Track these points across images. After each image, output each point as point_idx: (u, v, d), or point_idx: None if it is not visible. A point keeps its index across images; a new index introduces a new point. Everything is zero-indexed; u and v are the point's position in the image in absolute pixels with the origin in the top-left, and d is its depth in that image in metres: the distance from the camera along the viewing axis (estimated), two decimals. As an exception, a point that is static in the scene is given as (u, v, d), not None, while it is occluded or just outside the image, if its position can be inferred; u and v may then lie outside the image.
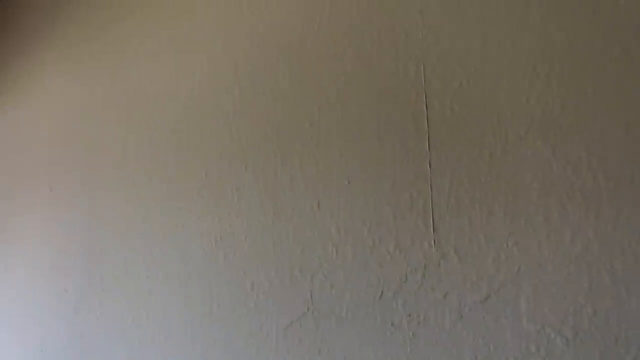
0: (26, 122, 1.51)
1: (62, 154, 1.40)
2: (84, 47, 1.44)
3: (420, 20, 0.92)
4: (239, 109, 1.10)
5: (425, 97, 0.90)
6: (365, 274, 0.89)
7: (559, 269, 0.76)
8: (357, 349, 0.87)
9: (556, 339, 0.74)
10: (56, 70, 1.48)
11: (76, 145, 1.38)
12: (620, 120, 0.76)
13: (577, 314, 0.74)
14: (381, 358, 0.85)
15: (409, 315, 0.84)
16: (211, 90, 1.16)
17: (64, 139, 1.41)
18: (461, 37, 0.88)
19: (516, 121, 0.82)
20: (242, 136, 1.08)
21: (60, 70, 1.48)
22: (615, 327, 0.71)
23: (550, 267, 0.77)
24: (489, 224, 0.82)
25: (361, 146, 0.94)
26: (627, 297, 0.71)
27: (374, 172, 0.92)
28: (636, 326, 0.70)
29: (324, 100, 0.99)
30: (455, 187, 0.85)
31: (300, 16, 1.06)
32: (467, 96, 0.86)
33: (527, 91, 0.82)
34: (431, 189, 0.87)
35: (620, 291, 0.72)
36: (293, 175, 0.99)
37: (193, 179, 1.13)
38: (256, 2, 1.14)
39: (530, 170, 0.81)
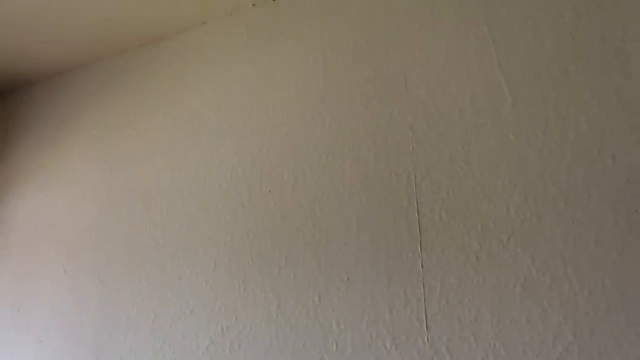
0: (48, 205, 1.61)
1: (78, 238, 1.49)
2: (109, 138, 1.57)
3: (410, 135, 1.05)
4: (246, 206, 1.20)
5: (417, 204, 1.00)
6: (363, 370, 0.95)
7: (543, 370, 0.82)
8: None
9: None
10: (82, 159, 1.60)
11: (92, 230, 1.47)
12: (591, 232, 0.85)
13: (562, 415, 0.79)
14: None
15: (405, 412, 0.89)
16: (221, 188, 1.27)
17: (82, 223, 1.50)
18: (446, 151, 1.00)
19: (498, 229, 0.92)
20: (249, 232, 1.17)
21: (85, 158, 1.60)
22: None
23: (534, 368, 0.83)
24: (477, 324, 0.89)
25: (359, 246, 1.03)
26: (606, 400, 0.77)
27: (371, 270, 1.00)
28: None
29: (324, 202, 1.09)
30: (446, 288, 0.93)
31: (304, 124, 1.19)
32: (453, 205, 0.96)
33: (507, 203, 0.92)
34: (424, 287, 0.95)
35: None
36: (296, 271, 1.07)
37: (202, 269, 1.21)
38: (263, 109, 1.27)
39: (513, 274, 0.89)
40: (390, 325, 0.96)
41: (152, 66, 1.58)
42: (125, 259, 1.36)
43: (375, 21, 1.18)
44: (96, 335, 1.32)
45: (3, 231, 1.71)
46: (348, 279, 1.02)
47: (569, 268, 0.85)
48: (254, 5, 1.44)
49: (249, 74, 1.36)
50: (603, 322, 0.81)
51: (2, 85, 1.98)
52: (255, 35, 1.40)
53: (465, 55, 1.04)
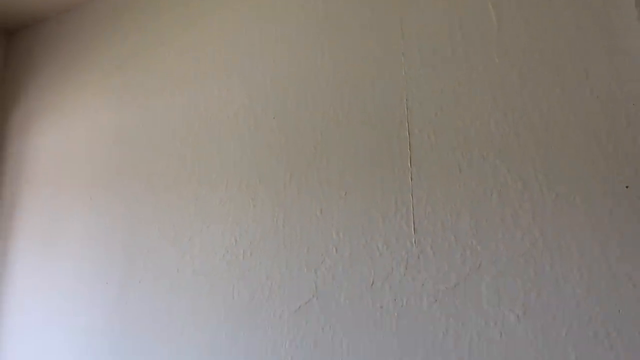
0: (68, 138, 1.73)
1: (100, 168, 1.61)
2: (120, 73, 1.65)
3: (403, 61, 1.13)
4: (253, 132, 1.31)
5: (408, 124, 1.10)
6: (359, 268, 1.10)
7: (512, 261, 0.96)
8: (352, 327, 1.08)
9: (510, 316, 0.94)
10: (94, 94, 1.70)
11: (111, 160, 1.59)
12: (561, 144, 0.96)
13: (526, 296, 0.94)
14: (372, 335, 1.06)
15: (394, 300, 1.04)
16: (229, 116, 1.37)
17: (100, 154, 1.62)
18: (435, 75, 1.09)
19: (480, 144, 1.03)
20: (256, 155, 1.29)
21: (97, 94, 1.69)
22: (554, 307, 0.91)
23: (504, 260, 0.97)
24: (458, 226, 1.02)
25: (355, 164, 1.14)
26: (563, 283, 0.91)
27: (366, 185, 1.13)
28: (569, 306, 0.90)
29: (324, 127, 1.20)
30: (431, 197, 1.05)
31: (305, 55, 1.27)
32: (441, 123, 1.06)
33: (488, 120, 1.02)
34: (412, 197, 1.08)
35: (558, 279, 0.92)
36: (299, 187, 1.20)
37: (215, 190, 1.34)
38: (267, 43, 1.35)
39: (491, 183, 1.01)
40: (382, 231, 1.09)
41: (159, 4, 1.63)
42: (145, 184, 1.49)
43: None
44: (125, 252, 1.48)
45: (27, 166, 1.84)
46: (346, 194, 1.15)
47: (540, 175, 0.97)
48: (253, -64, 1.46)
49: (253, 11, 1.42)
50: (565, 222, 0.93)
51: (12, 23, 2.04)
52: (256, -32, 1.44)
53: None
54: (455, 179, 1.04)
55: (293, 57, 1.29)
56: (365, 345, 1.06)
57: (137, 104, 1.59)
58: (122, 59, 1.68)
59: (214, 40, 1.48)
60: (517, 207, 0.98)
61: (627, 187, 0.88)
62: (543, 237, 0.95)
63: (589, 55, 0.96)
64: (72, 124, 1.74)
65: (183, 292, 1.34)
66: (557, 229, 0.94)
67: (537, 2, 1.01)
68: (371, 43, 1.18)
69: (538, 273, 0.94)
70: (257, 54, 1.37)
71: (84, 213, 1.61)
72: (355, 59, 1.19)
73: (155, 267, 1.41)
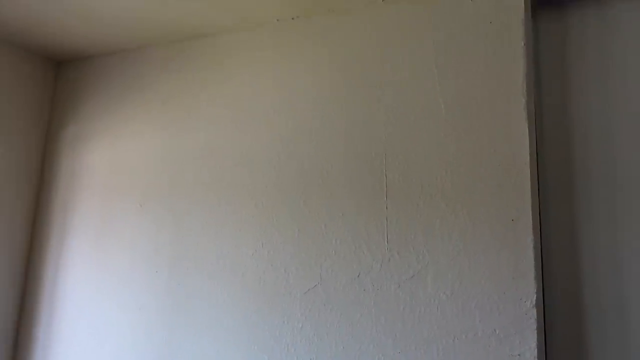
0: (117, 158, 2.19)
1: (147, 182, 2.09)
2: (166, 109, 2.14)
3: (383, 129, 1.72)
4: (276, 166, 1.85)
5: (385, 171, 1.69)
6: (350, 264, 1.67)
7: (446, 263, 1.56)
8: (345, 304, 1.65)
9: (442, 296, 1.54)
10: (141, 123, 2.17)
11: (158, 177, 2.08)
12: (478, 189, 1.57)
13: (452, 284, 1.54)
14: (358, 308, 1.63)
15: (373, 285, 1.63)
16: (256, 152, 1.91)
17: (149, 172, 2.10)
18: (404, 142, 1.68)
19: (430, 187, 1.62)
20: (281, 183, 1.83)
21: (143, 124, 2.17)
22: (468, 290, 1.52)
23: (442, 261, 1.57)
24: (415, 240, 1.61)
25: (349, 195, 1.72)
26: (474, 277, 1.52)
27: (356, 209, 1.70)
28: (476, 289, 1.51)
29: (329, 168, 1.77)
30: (400, 221, 1.64)
31: (314, 116, 1.83)
32: (406, 172, 1.66)
33: (435, 173, 1.62)
34: (387, 220, 1.66)
35: (472, 275, 1.53)
36: (310, 209, 1.76)
37: (246, 206, 1.87)
38: (284, 98, 1.90)
39: (438, 216, 1.61)
40: (366, 240, 1.67)
41: (199, 57, 2.14)
42: (189, 197, 2.00)
43: (364, 48, 1.80)
44: (172, 248, 1.98)
45: (78, 180, 2.28)
46: (343, 214, 1.72)
47: (464, 209, 1.58)
48: (277, 20, 2.01)
49: (274, 71, 1.96)
50: (479, 239, 1.54)
51: (61, 55, 2.46)
52: (278, 43, 1.99)
53: (418, 82, 1.69)
54: (415, 209, 1.63)
55: (307, 114, 1.85)
56: (353, 315, 1.64)
57: (180, 136, 2.08)
58: (166, 97, 2.17)
59: (242, 92, 2.01)
60: (450, 229, 1.58)
61: (511, 220, 1.51)
62: (465, 248, 1.56)
63: (489, 130, 1.57)
64: (121, 147, 2.21)
65: (220, 280, 1.86)
66: (473, 243, 1.55)
67: (465, 102, 1.63)
68: (359, 113, 1.76)
69: (461, 270, 1.55)
70: (277, 106, 1.91)
71: (135, 216, 2.09)
72: (348, 124, 1.77)
73: (197, 260, 1.92)
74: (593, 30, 1.62)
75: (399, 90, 1.73)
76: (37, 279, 2.29)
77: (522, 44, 1.56)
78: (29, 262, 2.32)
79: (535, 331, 1.42)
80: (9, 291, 2.25)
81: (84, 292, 2.14)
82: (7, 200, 2.26)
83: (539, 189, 1.59)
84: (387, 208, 1.67)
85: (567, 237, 1.57)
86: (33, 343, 2.22)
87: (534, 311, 1.43)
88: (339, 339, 1.65)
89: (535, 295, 1.43)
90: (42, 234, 2.32)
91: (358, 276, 1.66)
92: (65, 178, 2.32)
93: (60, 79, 2.47)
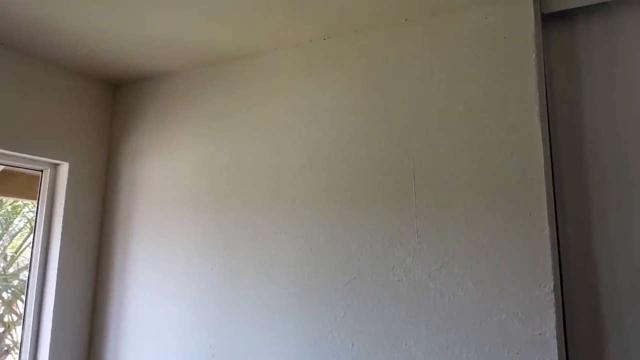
0: (173, 170, 2.46)
1: (201, 190, 2.36)
2: (213, 125, 2.40)
3: (410, 135, 1.91)
4: (316, 175, 2.07)
5: (413, 173, 1.88)
6: (385, 257, 1.88)
7: (469, 255, 1.74)
8: (380, 293, 1.85)
9: (468, 283, 1.73)
10: (192, 138, 2.44)
11: (210, 186, 2.34)
12: (493, 184, 1.74)
13: (480, 271, 1.72)
14: (392, 296, 1.83)
15: (406, 275, 1.83)
16: (293, 162, 2.14)
17: (201, 182, 2.37)
18: (428, 147, 1.87)
19: (456, 187, 1.81)
20: (321, 189, 2.05)
21: (195, 138, 2.43)
22: (487, 279, 1.69)
23: (465, 254, 1.75)
24: (443, 235, 1.80)
25: (382, 196, 1.92)
26: (491, 267, 1.70)
27: (389, 209, 1.91)
28: (491, 278, 1.68)
29: (363, 173, 1.97)
30: (428, 217, 1.83)
31: (348, 130, 2.04)
32: (433, 173, 1.85)
33: (461, 174, 1.81)
34: (416, 217, 1.86)
35: (490, 265, 1.70)
36: (348, 210, 1.98)
37: (289, 210, 2.11)
38: (319, 112, 2.11)
39: (463, 212, 1.79)
40: (399, 236, 1.87)
41: (241, 76, 2.39)
42: (238, 203, 2.25)
43: (387, 62, 2.00)
44: (225, 247, 2.24)
45: (138, 189, 2.57)
46: (376, 214, 1.93)
47: (481, 204, 1.75)
48: (310, 41, 2.23)
49: (308, 87, 2.19)
50: (497, 234, 1.72)
51: (117, 79, 2.76)
52: (311, 62, 2.21)
53: (440, 90, 1.88)
54: (441, 206, 1.82)
55: (339, 126, 2.07)
56: (388, 303, 1.84)
57: (227, 148, 2.34)
58: (213, 114, 2.43)
59: (280, 109, 2.24)
60: (474, 223, 1.76)
61: (529, 214, 1.68)
62: (488, 241, 1.74)
63: (506, 133, 1.74)
64: (175, 160, 2.48)
65: (267, 275, 2.10)
66: (495, 236, 1.73)
67: (483, 109, 1.80)
68: (387, 122, 1.96)
69: (485, 260, 1.73)
70: (312, 121, 2.14)
71: (190, 221, 2.35)
72: (379, 135, 1.97)
73: (247, 258, 2.17)
74: (600, 38, 1.77)
75: (421, 98, 1.92)
76: (106, 280, 2.59)
77: (534, 55, 1.73)
78: (99, 265, 2.63)
79: (554, 313, 1.58)
80: (84, 291, 2.56)
81: (148, 291, 2.42)
82: (79, 209, 2.57)
83: (553, 185, 1.75)
84: (416, 206, 1.87)
85: (582, 227, 1.73)
86: (105, 339, 2.52)
87: (552, 295, 1.59)
88: (376, 324, 1.86)
89: (552, 282, 1.60)
90: (109, 240, 2.62)
91: (392, 268, 1.87)
92: (126, 188, 2.62)
93: (118, 101, 2.77)
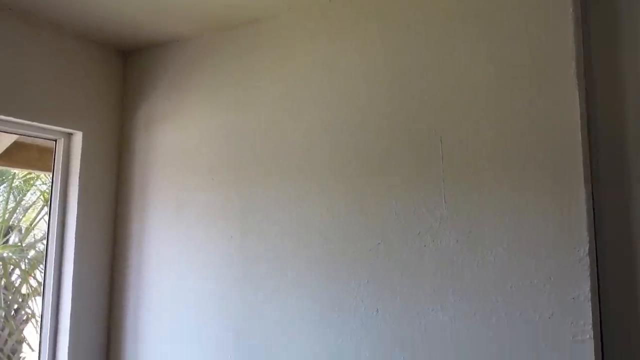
0: (188, 137, 2.41)
1: (217, 157, 2.31)
2: (229, 91, 2.33)
3: (438, 102, 1.84)
4: (334, 146, 2.02)
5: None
6: (411, 223, 1.84)
7: (504, 218, 1.70)
8: (407, 259, 1.82)
9: (498, 248, 1.69)
10: (207, 104, 2.38)
11: (227, 152, 2.29)
12: (522, 156, 1.68)
13: (511, 236, 1.68)
14: (418, 261, 1.80)
15: (433, 241, 1.79)
16: (316, 129, 2.07)
17: (217, 148, 2.32)
18: (458, 110, 1.80)
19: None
20: (344, 155, 2.00)
21: (209, 105, 2.37)
22: (526, 240, 1.65)
23: (500, 217, 1.70)
24: (472, 200, 1.75)
25: (409, 163, 1.87)
26: (518, 241, 1.65)
27: (415, 175, 1.85)
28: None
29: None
30: (454, 191, 1.78)
31: (377, 103, 1.97)
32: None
33: (490, 137, 1.75)
34: (444, 183, 1.80)
35: (532, 222, 1.65)
36: (373, 176, 1.93)
37: (307, 179, 2.06)
38: (340, 78, 2.04)
39: (493, 175, 1.73)
40: (426, 202, 1.82)
41: (255, 40, 2.31)
42: (256, 170, 2.20)
43: (412, 22, 1.91)
44: (243, 214, 2.20)
45: (153, 157, 2.53)
46: (402, 180, 1.88)
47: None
48: (330, 0, 2.14)
49: (330, 51, 2.10)
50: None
51: (127, 46, 2.68)
52: (332, 23, 2.12)
53: (470, 53, 1.80)
54: (470, 170, 1.76)
55: (365, 92, 2.00)
56: (414, 268, 1.81)
57: (244, 115, 2.28)
58: (229, 80, 2.35)
59: (299, 73, 2.16)
60: (504, 187, 1.71)
61: (564, 177, 1.62)
62: (519, 205, 1.69)
63: (540, 95, 1.67)
64: (190, 126, 2.43)
65: (289, 242, 2.07)
66: (527, 199, 1.67)
67: (515, 69, 1.72)
68: (414, 88, 1.89)
69: (516, 225, 1.68)
70: (335, 87, 2.06)
71: (208, 188, 2.32)
72: (406, 97, 1.90)
73: (266, 226, 2.14)
74: (642, -8, 1.67)
75: (450, 62, 1.84)
76: (123, 248, 2.57)
77: (571, 10, 1.64)
78: (116, 234, 2.61)
79: (589, 277, 1.54)
80: (102, 260, 2.55)
81: (165, 257, 2.40)
82: (94, 179, 2.53)
83: (590, 148, 1.68)
84: (443, 171, 1.81)
85: (618, 190, 1.67)
86: (125, 308, 2.52)
87: (587, 259, 1.55)
88: (402, 290, 1.83)
89: (587, 245, 1.56)
90: (125, 209, 2.59)
91: (419, 234, 1.83)
92: (141, 157, 2.57)
93: (130, 68, 2.70)
